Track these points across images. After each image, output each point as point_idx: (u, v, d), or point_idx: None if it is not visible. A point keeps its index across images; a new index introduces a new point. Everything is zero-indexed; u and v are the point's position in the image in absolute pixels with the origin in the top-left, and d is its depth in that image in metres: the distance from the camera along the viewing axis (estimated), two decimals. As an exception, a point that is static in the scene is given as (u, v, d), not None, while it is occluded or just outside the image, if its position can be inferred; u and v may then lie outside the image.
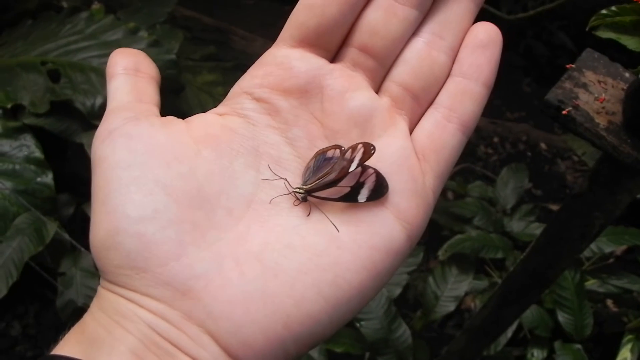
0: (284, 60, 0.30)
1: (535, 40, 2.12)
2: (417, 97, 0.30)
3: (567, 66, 0.52)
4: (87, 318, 0.26)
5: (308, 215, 0.28)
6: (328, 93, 0.29)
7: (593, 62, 0.53)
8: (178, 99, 1.25)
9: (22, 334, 1.29)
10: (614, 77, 0.52)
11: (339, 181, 0.28)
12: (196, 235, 0.26)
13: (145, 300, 0.25)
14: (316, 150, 0.29)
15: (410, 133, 0.30)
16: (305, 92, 0.29)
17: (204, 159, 0.28)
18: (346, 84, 0.30)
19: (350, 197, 0.28)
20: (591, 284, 1.13)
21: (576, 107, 0.49)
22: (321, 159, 0.29)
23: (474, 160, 1.73)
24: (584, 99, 0.50)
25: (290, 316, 0.25)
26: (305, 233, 0.27)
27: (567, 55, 2.02)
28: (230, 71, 1.49)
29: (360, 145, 0.28)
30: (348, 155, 0.28)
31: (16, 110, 1.14)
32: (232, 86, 0.31)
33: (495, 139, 1.82)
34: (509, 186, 1.32)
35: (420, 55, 0.30)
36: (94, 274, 1.08)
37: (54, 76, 1.17)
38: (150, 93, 0.31)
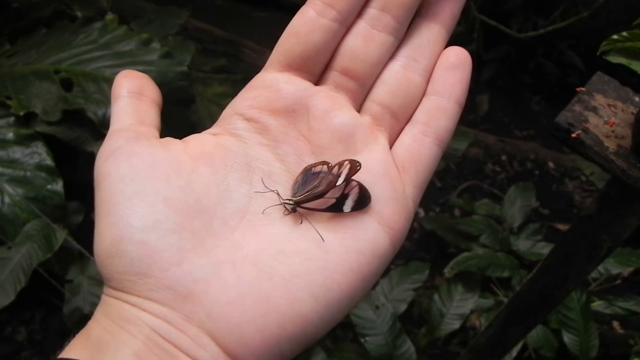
0: (273, 83, 0.32)
1: (545, 59, 2.12)
2: (396, 115, 0.33)
3: (577, 89, 0.52)
4: (92, 324, 0.28)
5: (300, 223, 0.30)
6: (314, 112, 0.32)
7: (603, 85, 0.53)
8: (188, 110, 1.25)
9: (28, 340, 1.29)
10: (623, 101, 0.52)
11: (326, 193, 0.30)
12: (195, 243, 0.28)
13: (148, 304, 0.27)
14: (304, 165, 0.31)
15: (390, 147, 0.32)
16: (293, 112, 0.32)
17: (201, 174, 0.30)
18: (330, 104, 0.32)
19: (336, 208, 0.30)
20: (597, 305, 1.13)
21: (586, 131, 0.49)
22: (309, 174, 0.31)
23: (482, 177, 1.73)
24: (594, 122, 0.50)
25: (284, 316, 0.27)
26: (295, 240, 0.29)
27: (576, 74, 2.02)
28: (241, 83, 1.50)
29: (347, 162, 0.30)
30: (335, 170, 0.30)
31: (29, 118, 1.15)
32: None
33: (504, 157, 1.82)
34: (516, 205, 1.32)
35: (397, 76, 0.33)
36: (101, 281, 1.09)
37: (67, 85, 1.18)
38: (151, 116, 0.33)
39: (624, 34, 0.45)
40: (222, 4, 2.34)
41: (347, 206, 0.30)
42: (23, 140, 1.12)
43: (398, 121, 0.33)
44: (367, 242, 0.29)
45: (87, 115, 1.11)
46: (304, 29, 0.32)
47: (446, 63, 0.33)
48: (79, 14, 1.42)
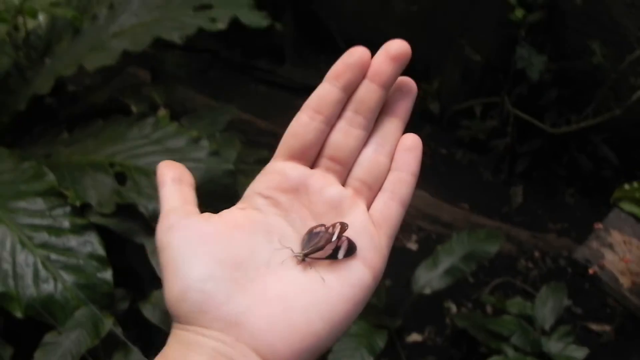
0: (281, 170, 0.44)
1: (579, 153, 2.16)
2: (370, 187, 0.44)
3: (596, 226, 0.57)
4: (167, 350, 0.39)
5: (309, 269, 0.41)
6: (311, 189, 0.44)
7: (620, 222, 0.58)
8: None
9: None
10: (639, 237, 0.56)
11: (325, 247, 0.41)
12: (237, 288, 0.39)
13: (208, 332, 0.38)
14: (308, 227, 0.43)
15: (368, 210, 0.44)
16: (297, 190, 0.44)
17: (236, 238, 0.41)
18: (323, 182, 0.44)
19: (332, 256, 0.41)
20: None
21: (602, 267, 0.53)
22: (312, 233, 0.42)
23: (514, 274, 1.75)
24: (610, 259, 0.54)
25: (304, 334, 0.38)
26: (306, 281, 0.40)
27: (610, 168, 2.05)
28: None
29: (338, 224, 0.42)
30: (330, 230, 0.42)
31: (83, 208, 1.23)
32: None
33: (536, 254, 1.85)
34: (547, 305, 1.34)
35: (369, 159, 0.45)
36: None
37: (121, 178, 1.26)
38: (191, 197, 0.44)
39: (635, 184, 0.50)
40: (265, 91, 2.44)
41: (340, 254, 0.41)
42: (78, 230, 1.19)
43: (372, 191, 0.44)
44: (357, 279, 0.41)
45: (139, 209, 1.18)
46: (300, 130, 0.44)
47: (404, 146, 0.45)
48: (133, 108, 1.51)
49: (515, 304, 1.40)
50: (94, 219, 1.20)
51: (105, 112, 1.57)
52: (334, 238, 0.41)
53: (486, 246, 1.29)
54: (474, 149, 2.30)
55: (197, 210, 0.44)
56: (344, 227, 0.42)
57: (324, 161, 0.44)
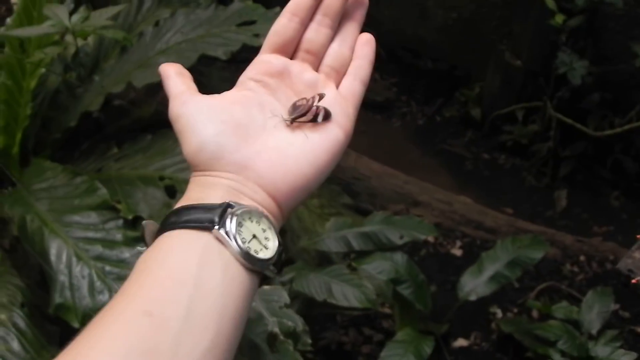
0: (267, 60, 0.54)
1: (624, 155, 2.14)
2: (338, 72, 0.55)
3: (638, 237, 0.58)
4: (189, 192, 0.48)
5: (295, 130, 0.52)
6: (292, 74, 0.54)
7: (663, 230, 0.59)
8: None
9: None
10: (683, 245, 0.57)
11: (308, 112, 0.51)
12: (243, 141, 0.49)
13: (223, 174, 0.47)
14: (292, 102, 0.53)
15: (337, 89, 0.55)
16: (281, 74, 0.54)
17: (236, 109, 0.50)
18: (301, 69, 0.54)
19: (313, 120, 0.51)
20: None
21: (646, 275, 0.55)
22: (297, 104, 0.52)
23: (560, 278, 1.75)
24: (654, 267, 0.55)
25: (296, 175, 0.48)
26: (295, 137, 0.50)
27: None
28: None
29: (316, 95, 0.52)
30: (311, 101, 0.52)
31: (135, 221, 1.27)
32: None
33: (582, 258, 1.84)
34: (594, 310, 1.34)
35: (336, 51, 0.56)
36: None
37: (170, 191, 1.30)
38: (194, 85, 0.53)
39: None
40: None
41: (319, 119, 0.51)
42: (130, 242, 1.23)
43: (339, 75, 0.55)
44: (333, 136, 0.51)
45: (188, 221, 1.21)
46: (281, 29, 0.54)
47: (361, 41, 0.56)
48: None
49: (561, 308, 1.40)
50: (146, 231, 1.24)
51: (152, 126, 1.62)
52: (315, 104, 0.52)
53: (530, 252, 1.30)
54: (516, 153, 2.30)
55: (198, 92, 0.53)
56: (321, 96, 0.52)
57: (300, 54, 0.55)
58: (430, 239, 1.95)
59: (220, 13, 1.57)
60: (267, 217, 0.47)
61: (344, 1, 0.56)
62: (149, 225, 0.49)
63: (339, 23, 0.57)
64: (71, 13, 1.53)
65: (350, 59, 0.56)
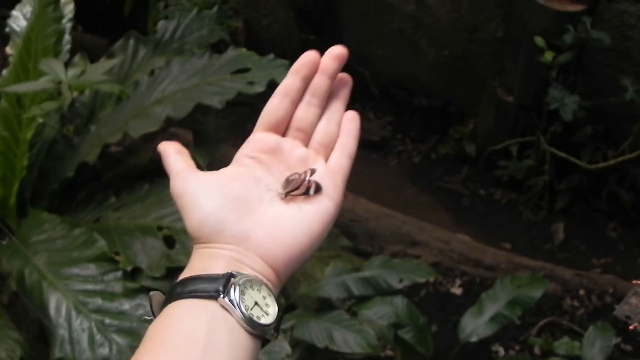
0: (260, 138, 0.58)
1: (619, 186, 2.15)
2: (326, 147, 0.58)
3: (634, 282, 0.58)
4: (192, 263, 0.51)
5: (291, 202, 0.55)
6: (284, 151, 0.57)
7: (659, 277, 0.59)
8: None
9: None
10: (679, 291, 0.58)
11: (300, 187, 0.54)
12: (243, 214, 0.52)
13: (224, 246, 0.50)
14: (285, 177, 0.56)
15: (326, 163, 0.58)
16: (274, 151, 0.57)
17: (235, 185, 0.53)
18: (292, 146, 0.58)
19: (306, 193, 0.54)
20: None
21: (644, 324, 0.55)
22: (290, 179, 0.55)
23: (561, 313, 1.74)
24: (652, 315, 0.56)
25: (291, 246, 0.51)
26: (289, 211, 0.53)
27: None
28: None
29: (308, 170, 0.56)
30: (303, 175, 0.55)
31: (134, 272, 1.27)
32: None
33: (582, 292, 1.84)
34: (596, 345, 1.33)
35: (324, 128, 0.59)
36: None
37: (169, 241, 1.30)
38: (192, 163, 0.57)
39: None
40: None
41: (311, 192, 0.54)
42: (130, 293, 1.23)
43: (327, 150, 0.58)
44: (324, 207, 0.54)
45: (187, 271, 1.21)
46: (273, 109, 0.58)
47: (347, 119, 0.60)
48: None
49: (563, 344, 1.40)
50: (145, 282, 1.24)
51: (148, 173, 1.62)
52: (307, 179, 0.55)
53: (530, 291, 1.30)
54: (512, 188, 2.31)
55: (197, 169, 0.57)
56: (313, 171, 0.56)
57: (292, 131, 0.59)
58: (430, 278, 1.95)
59: (215, 61, 1.59)
60: (266, 285, 0.50)
61: (331, 83, 0.60)
62: (156, 295, 0.54)
63: (326, 102, 0.61)
64: (67, 63, 1.55)
65: (337, 135, 0.60)
